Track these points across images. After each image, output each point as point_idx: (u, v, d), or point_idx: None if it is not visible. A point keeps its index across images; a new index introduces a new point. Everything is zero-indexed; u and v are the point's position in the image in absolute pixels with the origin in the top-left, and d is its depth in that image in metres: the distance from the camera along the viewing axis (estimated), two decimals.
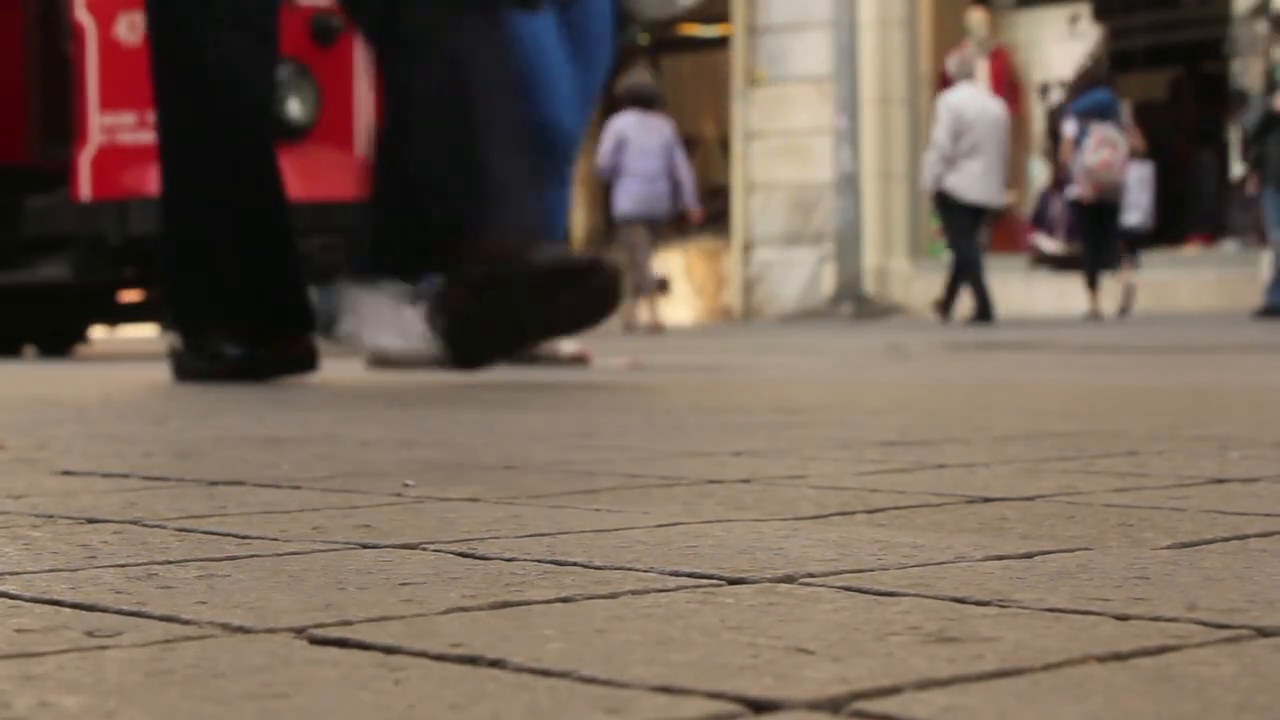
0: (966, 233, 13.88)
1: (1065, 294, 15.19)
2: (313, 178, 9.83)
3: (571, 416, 3.10)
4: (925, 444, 2.39)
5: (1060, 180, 14.75)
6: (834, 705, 0.82)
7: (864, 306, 16.29)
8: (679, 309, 20.94)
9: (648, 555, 1.33)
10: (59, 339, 10.86)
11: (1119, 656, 0.93)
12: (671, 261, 21.48)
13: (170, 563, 1.33)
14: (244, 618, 1.08)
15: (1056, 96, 15.75)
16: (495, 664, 0.92)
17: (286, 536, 1.48)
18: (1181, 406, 3.20)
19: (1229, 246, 15.56)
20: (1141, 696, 0.83)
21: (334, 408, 3.50)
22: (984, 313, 13.79)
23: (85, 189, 9.53)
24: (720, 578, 1.22)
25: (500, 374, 4.69)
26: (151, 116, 10.47)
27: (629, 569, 1.26)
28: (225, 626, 1.05)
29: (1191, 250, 15.89)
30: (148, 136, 9.54)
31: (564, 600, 1.13)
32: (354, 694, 0.86)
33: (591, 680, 0.88)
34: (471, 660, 0.93)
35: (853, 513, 1.62)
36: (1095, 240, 14.32)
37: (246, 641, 1.00)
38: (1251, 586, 1.16)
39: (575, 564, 1.29)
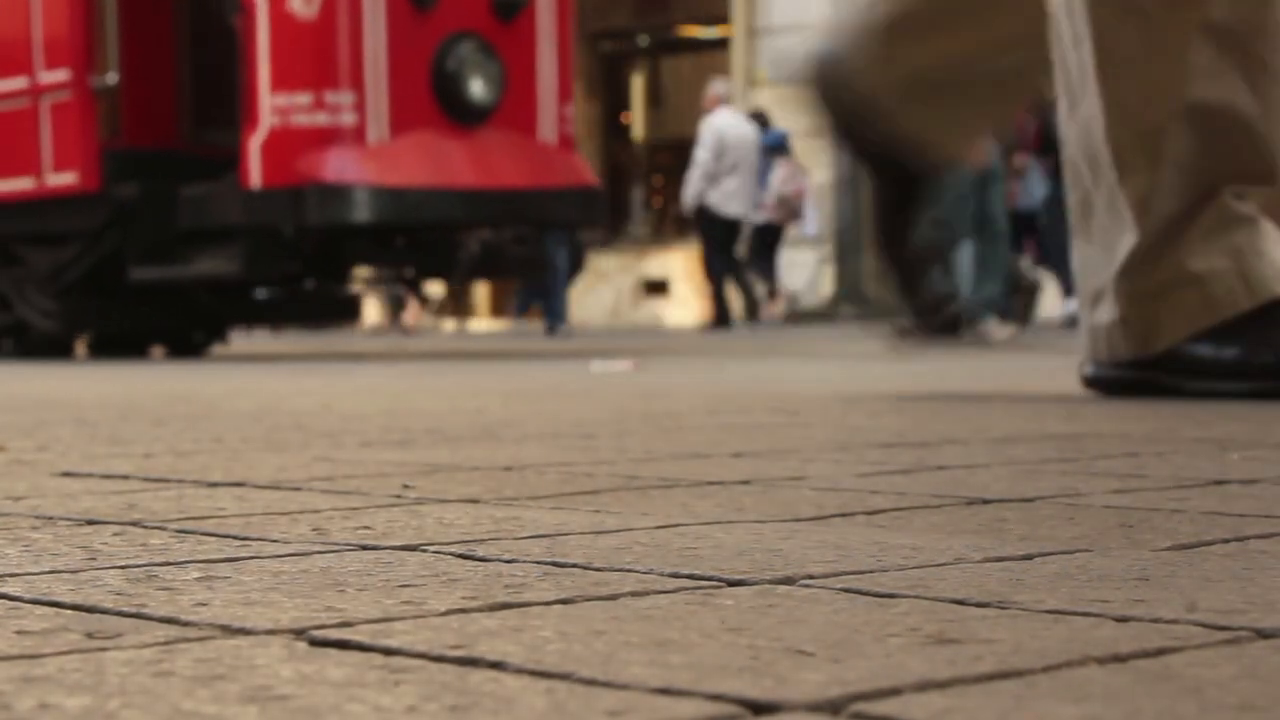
0: (723, 246, 15.37)
1: (1048, 296, 15.23)
2: (496, 164, 8.82)
3: (572, 419, 3.10)
4: (924, 445, 2.39)
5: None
6: (833, 707, 0.82)
7: (865, 308, 16.37)
8: (679, 310, 20.91)
9: (647, 557, 1.33)
10: (192, 340, 9.96)
11: (1119, 658, 0.93)
12: (672, 262, 21.48)
13: (170, 564, 1.33)
14: (244, 619, 1.08)
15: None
16: (495, 666, 0.92)
17: (287, 538, 1.48)
18: (1180, 408, 3.20)
19: None
20: (1141, 698, 0.83)
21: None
22: (723, 318, 15.38)
23: (255, 176, 8.51)
24: (720, 579, 1.22)
25: None
26: (330, 96, 8.71)
27: (628, 570, 1.27)
28: (225, 628, 1.05)
29: None
30: (324, 118, 8.50)
31: (563, 602, 1.13)
32: (354, 696, 0.86)
33: (591, 682, 0.88)
34: (471, 662, 0.93)
35: (852, 514, 1.62)
36: (768, 257, 16.63)
37: (247, 643, 1.00)
38: (1251, 588, 1.16)
39: (574, 565, 1.29)
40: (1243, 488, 1.81)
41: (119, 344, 9.68)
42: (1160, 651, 0.94)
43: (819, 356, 7.36)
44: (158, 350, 9.77)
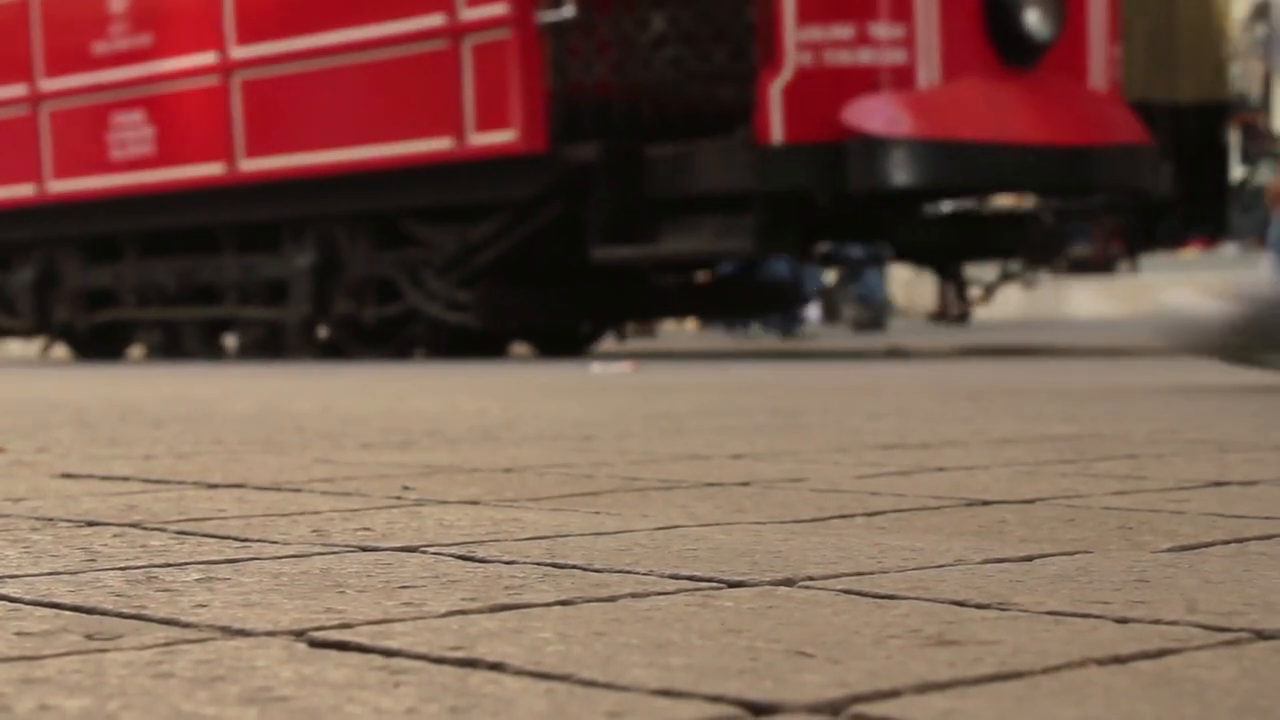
0: None
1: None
2: (1057, 115, 7.04)
3: (571, 417, 3.10)
4: (924, 447, 2.39)
5: None
6: (833, 708, 0.82)
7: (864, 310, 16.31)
8: None
9: (647, 558, 1.33)
10: (568, 335, 8.16)
11: (1119, 659, 0.93)
12: None
13: (170, 566, 1.33)
14: (244, 621, 1.08)
15: None
16: (495, 667, 0.92)
17: (287, 539, 1.48)
18: (1181, 409, 3.20)
19: (1229, 249, 15.57)
20: (1141, 699, 0.83)
21: None
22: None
23: (776, 129, 6.67)
24: (719, 581, 1.22)
25: None
26: (875, 29, 6.67)
27: (628, 572, 1.27)
28: (225, 629, 1.05)
29: (1191, 253, 15.91)
30: (868, 56, 6.77)
31: (563, 603, 1.13)
32: (354, 697, 0.86)
33: (591, 683, 0.88)
34: (471, 663, 0.93)
35: (852, 515, 1.62)
36: None
37: (247, 644, 1.00)
38: (1251, 589, 1.16)
39: (574, 567, 1.29)
40: (1242, 489, 1.81)
41: (466, 340, 7.72)
42: (1160, 653, 0.94)
43: (818, 358, 7.36)
44: (520, 348, 8.03)
